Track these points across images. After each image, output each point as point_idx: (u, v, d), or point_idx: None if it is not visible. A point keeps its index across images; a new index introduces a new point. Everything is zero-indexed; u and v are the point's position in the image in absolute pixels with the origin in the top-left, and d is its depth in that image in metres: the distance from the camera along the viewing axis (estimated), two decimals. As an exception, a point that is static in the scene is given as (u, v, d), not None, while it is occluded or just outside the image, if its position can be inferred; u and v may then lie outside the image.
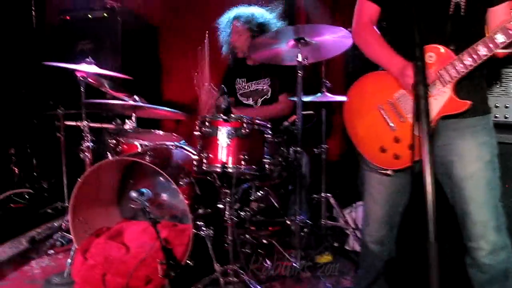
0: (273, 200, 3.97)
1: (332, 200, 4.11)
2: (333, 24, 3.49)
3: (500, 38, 2.11)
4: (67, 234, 4.03)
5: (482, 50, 2.15)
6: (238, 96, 4.55)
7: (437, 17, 2.31)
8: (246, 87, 4.51)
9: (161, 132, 4.15)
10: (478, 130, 2.35)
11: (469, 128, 2.34)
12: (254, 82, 4.48)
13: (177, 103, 5.43)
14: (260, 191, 3.84)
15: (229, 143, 3.24)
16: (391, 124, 2.39)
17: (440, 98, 2.28)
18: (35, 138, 5.81)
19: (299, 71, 3.48)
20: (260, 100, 4.44)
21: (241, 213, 3.63)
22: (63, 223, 4.19)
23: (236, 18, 4.43)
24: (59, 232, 4.13)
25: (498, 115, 3.02)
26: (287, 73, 4.12)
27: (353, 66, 4.55)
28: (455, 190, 2.37)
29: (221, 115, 3.26)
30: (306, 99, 3.82)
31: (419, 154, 2.30)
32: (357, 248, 3.89)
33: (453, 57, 2.22)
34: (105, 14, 5.28)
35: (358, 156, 2.53)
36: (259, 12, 4.42)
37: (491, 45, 2.13)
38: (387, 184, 2.51)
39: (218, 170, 3.23)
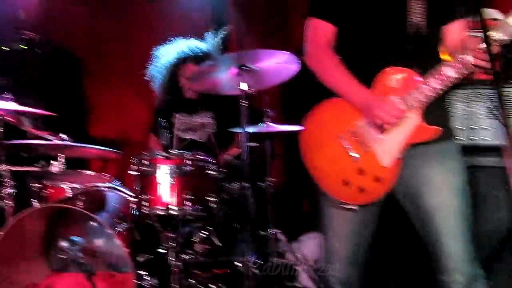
0: (215, 241, 3.72)
1: (280, 236, 3.89)
2: (266, 48, 3.30)
3: (470, 58, 1.98)
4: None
5: (449, 72, 2.02)
6: (177, 132, 4.21)
7: (396, 38, 2.20)
8: (189, 121, 4.20)
9: (90, 173, 3.83)
10: (445, 156, 2.23)
11: (436, 154, 2.21)
12: (196, 115, 4.19)
13: (105, 139, 5.09)
14: (203, 232, 3.58)
15: (172, 182, 2.99)
16: (354, 155, 2.21)
17: (406, 125, 2.13)
18: None
19: (242, 101, 3.24)
20: (205, 135, 4.14)
21: (184, 256, 3.35)
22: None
23: (184, 59, 4.17)
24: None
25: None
26: (229, 103, 3.88)
27: (291, 93, 4.40)
28: (424, 222, 2.23)
29: (161, 152, 3.00)
30: (250, 130, 3.60)
31: (388, 186, 2.19)
32: (310, 285, 3.78)
33: (419, 81, 2.08)
34: (22, 46, 4.87)
35: (317, 191, 2.33)
36: (199, 45, 4.19)
37: (457, 66, 2.01)
38: (351, 219, 2.32)
39: (161, 212, 3.00)
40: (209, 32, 4.33)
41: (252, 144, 3.56)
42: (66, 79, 5.29)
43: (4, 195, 3.54)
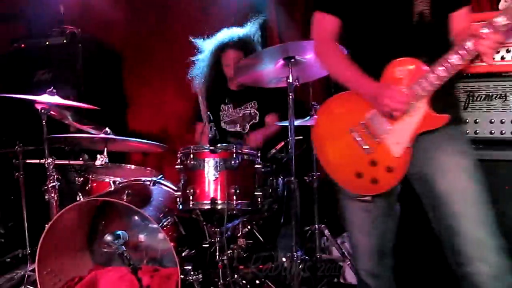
0: (259, 236, 3.67)
1: (326, 232, 3.81)
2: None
3: (470, 44, 1.95)
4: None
5: (454, 59, 1.99)
6: (222, 124, 4.17)
7: (401, 28, 2.18)
8: (234, 113, 4.15)
9: (132, 167, 3.82)
10: (453, 139, 2.17)
11: (445, 137, 2.16)
12: (241, 107, 4.14)
13: (143, 133, 5.07)
14: (248, 226, 3.52)
15: (218, 176, 2.94)
16: (365, 147, 2.20)
17: (416, 115, 2.11)
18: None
19: (290, 93, 3.17)
20: (248, 126, 4.10)
21: (229, 251, 3.30)
22: (26, 274, 3.73)
23: (224, 46, 4.10)
24: (22, 286, 3.65)
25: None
26: (274, 95, 3.81)
27: (336, 85, 4.29)
28: (438, 205, 2.14)
29: (208, 145, 2.95)
30: (296, 123, 3.52)
31: (401, 175, 2.13)
32: (354, 281, 3.58)
33: (425, 70, 2.06)
34: (64, 41, 4.88)
35: (334, 184, 2.33)
36: (239, 32, 4.12)
37: (462, 52, 1.97)
38: (369, 210, 2.30)
39: (207, 207, 2.94)
40: (249, 23, 4.25)
41: (298, 137, 3.48)
42: (106, 74, 5.29)
43: (49, 188, 3.53)
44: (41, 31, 5.05)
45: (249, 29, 4.14)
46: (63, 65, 4.87)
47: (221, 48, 4.10)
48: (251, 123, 4.09)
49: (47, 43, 4.95)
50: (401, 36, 2.16)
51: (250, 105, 4.10)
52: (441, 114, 2.08)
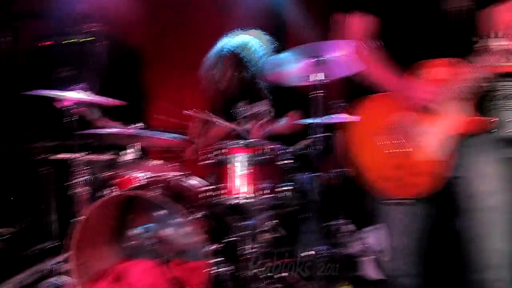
0: (281, 230, 3.73)
1: (349, 227, 3.87)
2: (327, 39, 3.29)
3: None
4: (61, 278, 3.68)
5: (492, 60, 2.01)
6: (238, 121, 4.25)
7: (437, 27, 2.19)
8: (247, 110, 4.22)
9: (157, 162, 3.87)
10: (490, 147, 2.20)
11: (481, 144, 2.19)
12: (255, 104, 4.20)
13: (164, 129, 5.14)
14: (272, 221, 3.59)
15: (246, 171, 3.01)
16: (397, 150, 2.23)
17: (451, 117, 2.13)
18: (11, 173, 5.40)
19: (315, 91, 3.24)
20: (259, 123, 4.16)
21: (255, 245, 3.37)
22: (54, 266, 3.84)
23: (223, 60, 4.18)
24: (51, 277, 3.75)
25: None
26: (291, 93, 3.87)
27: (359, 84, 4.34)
28: (473, 211, 2.18)
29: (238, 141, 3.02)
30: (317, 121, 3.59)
31: (436, 178, 2.16)
32: (375, 276, 3.73)
33: (462, 71, 2.07)
34: (87, 38, 4.96)
35: (368, 186, 2.36)
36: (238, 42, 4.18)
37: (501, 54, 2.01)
38: (405, 213, 2.34)
39: (236, 201, 3.01)
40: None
41: (321, 134, 3.54)
42: (127, 70, 5.36)
43: (77, 183, 3.62)
44: (65, 29, 5.14)
45: (246, 37, 4.19)
46: (86, 62, 4.96)
47: (220, 55, 4.18)
48: (263, 120, 4.13)
49: (71, 40, 5.04)
50: (436, 35, 2.18)
51: (263, 103, 4.15)
52: (483, 118, 2.10)
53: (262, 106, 4.11)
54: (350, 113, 2.47)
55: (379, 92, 2.32)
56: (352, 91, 4.67)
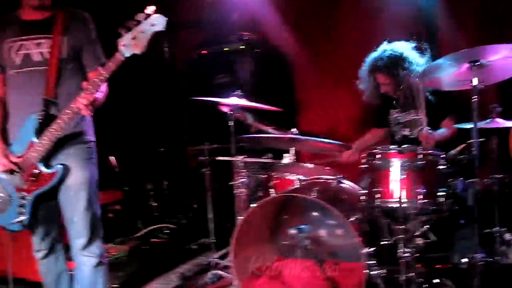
0: (431, 235, 3.70)
1: (507, 236, 3.75)
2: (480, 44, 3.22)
3: None
4: (220, 272, 3.95)
5: None
6: (392, 128, 4.28)
7: None
8: (402, 117, 4.22)
9: (310, 165, 4.00)
10: None
11: None
12: (409, 112, 4.19)
13: (313, 134, 5.29)
14: (425, 226, 3.58)
15: (404, 176, 3.06)
16: None
17: None
18: (171, 173, 5.85)
19: (474, 96, 3.20)
20: (416, 131, 4.14)
21: (409, 249, 3.38)
22: (213, 260, 4.13)
23: (377, 69, 4.17)
24: (211, 270, 4.03)
25: None
26: (447, 99, 3.84)
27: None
28: None
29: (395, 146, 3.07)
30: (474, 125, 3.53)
31: None
32: None
33: None
34: (242, 46, 5.24)
35: None
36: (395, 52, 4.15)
37: None
38: None
39: (393, 205, 3.06)
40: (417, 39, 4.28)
41: (479, 139, 3.48)
42: (278, 77, 5.58)
43: (238, 183, 3.86)
44: (221, 38, 5.46)
45: (403, 46, 4.15)
46: (240, 69, 5.24)
47: (372, 71, 4.19)
48: (419, 128, 4.10)
49: (226, 49, 5.35)
50: None
51: (418, 111, 4.12)
52: None
53: (417, 113, 4.10)
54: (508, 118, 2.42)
55: None
56: (509, 95, 4.54)
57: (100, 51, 3.02)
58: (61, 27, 2.90)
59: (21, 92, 2.91)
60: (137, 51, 2.60)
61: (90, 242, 2.90)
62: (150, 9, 2.61)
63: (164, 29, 2.60)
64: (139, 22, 2.60)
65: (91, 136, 3.03)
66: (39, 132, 2.77)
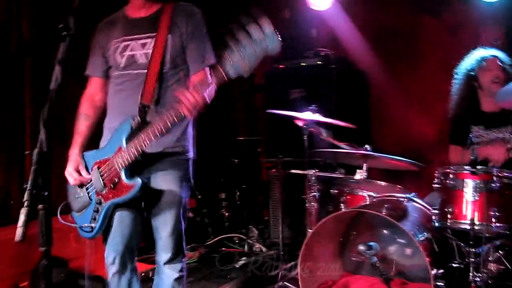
0: (507, 263, 3.58)
1: None
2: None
3: None
4: (287, 284, 3.98)
5: None
6: (474, 146, 4.14)
7: None
8: (485, 135, 4.07)
9: (383, 183, 3.97)
10: None
11: None
12: (494, 129, 4.05)
13: (389, 152, 5.25)
14: (500, 251, 3.48)
15: (477, 198, 3.00)
16: None
17: None
18: (244, 184, 5.95)
19: None
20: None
21: (481, 274, 3.30)
22: (280, 272, 4.18)
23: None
24: (278, 282, 4.07)
25: None
26: None
27: None
28: None
29: (469, 167, 3.02)
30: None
31: None
32: None
33: None
34: (319, 62, 5.29)
35: None
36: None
37: None
38: None
39: (465, 226, 3.01)
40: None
41: None
42: (355, 93, 5.59)
43: (310, 197, 3.90)
44: (298, 53, 5.54)
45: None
46: (316, 85, 5.27)
47: (481, 61, 4.03)
48: (506, 147, 3.95)
49: (303, 64, 5.42)
50: None
51: (506, 130, 3.97)
52: None
53: (505, 133, 3.96)
54: None
55: None
56: None
57: (207, 50, 2.74)
58: (166, 24, 2.68)
59: (123, 95, 2.77)
60: (245, 74, 2.17)
61: (174, 257, 2.85)
62: (267, 24, 2.09)
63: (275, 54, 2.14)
64: (250, 36, 2.11)
65: (191, 153, 2.87)
66: (129, 137, 2.57)
